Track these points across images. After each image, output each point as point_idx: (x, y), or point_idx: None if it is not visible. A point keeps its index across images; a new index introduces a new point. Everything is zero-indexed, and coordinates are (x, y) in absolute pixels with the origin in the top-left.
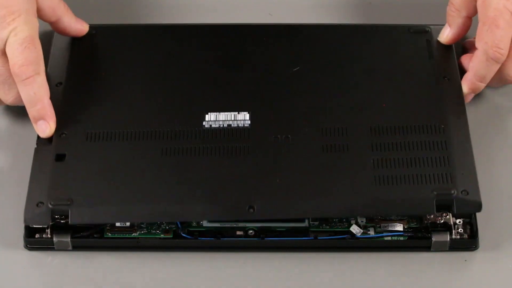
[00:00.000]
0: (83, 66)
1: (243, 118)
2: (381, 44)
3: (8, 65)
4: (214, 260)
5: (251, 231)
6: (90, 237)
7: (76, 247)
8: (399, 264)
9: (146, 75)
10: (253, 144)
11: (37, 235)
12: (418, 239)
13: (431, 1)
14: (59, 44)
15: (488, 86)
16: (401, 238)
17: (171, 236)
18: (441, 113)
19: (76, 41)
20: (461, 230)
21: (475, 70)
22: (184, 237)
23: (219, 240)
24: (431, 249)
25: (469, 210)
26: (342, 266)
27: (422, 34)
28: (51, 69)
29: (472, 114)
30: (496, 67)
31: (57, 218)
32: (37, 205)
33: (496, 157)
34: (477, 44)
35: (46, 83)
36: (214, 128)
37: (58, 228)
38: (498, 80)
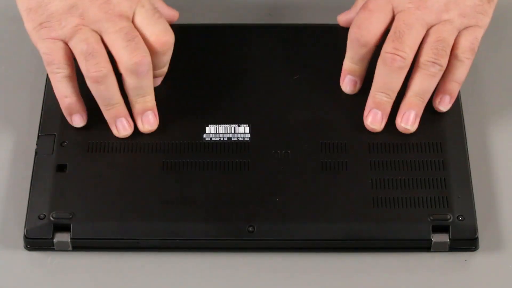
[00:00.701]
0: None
1: (243, 131)
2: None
3: (134, 28)
4: (214, 260)
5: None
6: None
7: (76, 247)
8: (399, 264)
9: None
10: (253, 159)
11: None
12: (418, 240)
13: None
14: None
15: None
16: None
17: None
18: (439, 131)
19: None
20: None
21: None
22: (184, 237)
23: (219, 240)
24: (431, 250)
25: (465, 236)
26: (342, 266)
27: None
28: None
29: (471, 110)
30: (362, 49)
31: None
32: (39, 217)
33: (496, 156)
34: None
35: None
36: (215, 141)
37: (58, 227)
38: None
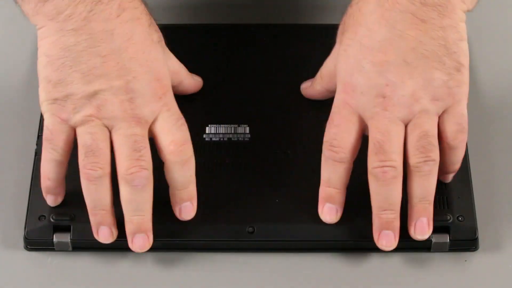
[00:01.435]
0: None
1: (243, 131)
2: None
3: (146, 136)
4: (214, 261)
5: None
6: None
7: (76, 248)
8: (399, 264)
9: None
10: (253, 160)
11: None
12: (418, 240)
13: None
14: None
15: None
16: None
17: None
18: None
19: None
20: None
21: (322, 174)
22: (184, 238)
23: (218, 241)
24: (431, 250)
25: (465, 236)
26: (342, 266)
27: None
28: None
29: (471, 110)
30: (339, 167)
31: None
32: (38, 218)
33: (496, 156)
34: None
35: None
36: (215, 141)
37: (58, 229)
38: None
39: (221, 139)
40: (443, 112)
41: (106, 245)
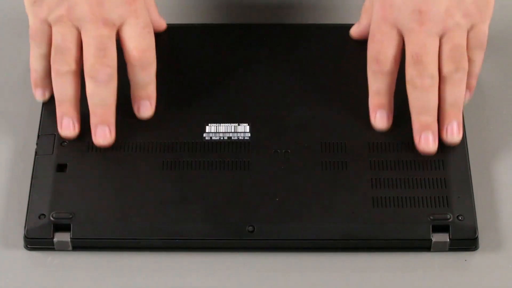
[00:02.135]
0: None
1: (243, 130)
2: None
3: (113, 38)
4: (214, 260)
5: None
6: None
7: (76, 247)
8: (399, 264)
9: None
10: (253, 159)
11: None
12: (418, 239)
13: None
14: None
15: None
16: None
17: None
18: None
19: None
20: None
21: (370, 87)
22: (183, 237)
23: (218, 240)
24: (431, 249)
25: (465, 236)
26: (342, 266)
27: None
28: None
29: (471, 109)
30: (387, 78)
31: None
32: (39, 217)
33: (496, 156)
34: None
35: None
36: (215, 140)
37: (58, 228)
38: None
39: (221, 138)
40: (470, 29)
41: (106, 245)
